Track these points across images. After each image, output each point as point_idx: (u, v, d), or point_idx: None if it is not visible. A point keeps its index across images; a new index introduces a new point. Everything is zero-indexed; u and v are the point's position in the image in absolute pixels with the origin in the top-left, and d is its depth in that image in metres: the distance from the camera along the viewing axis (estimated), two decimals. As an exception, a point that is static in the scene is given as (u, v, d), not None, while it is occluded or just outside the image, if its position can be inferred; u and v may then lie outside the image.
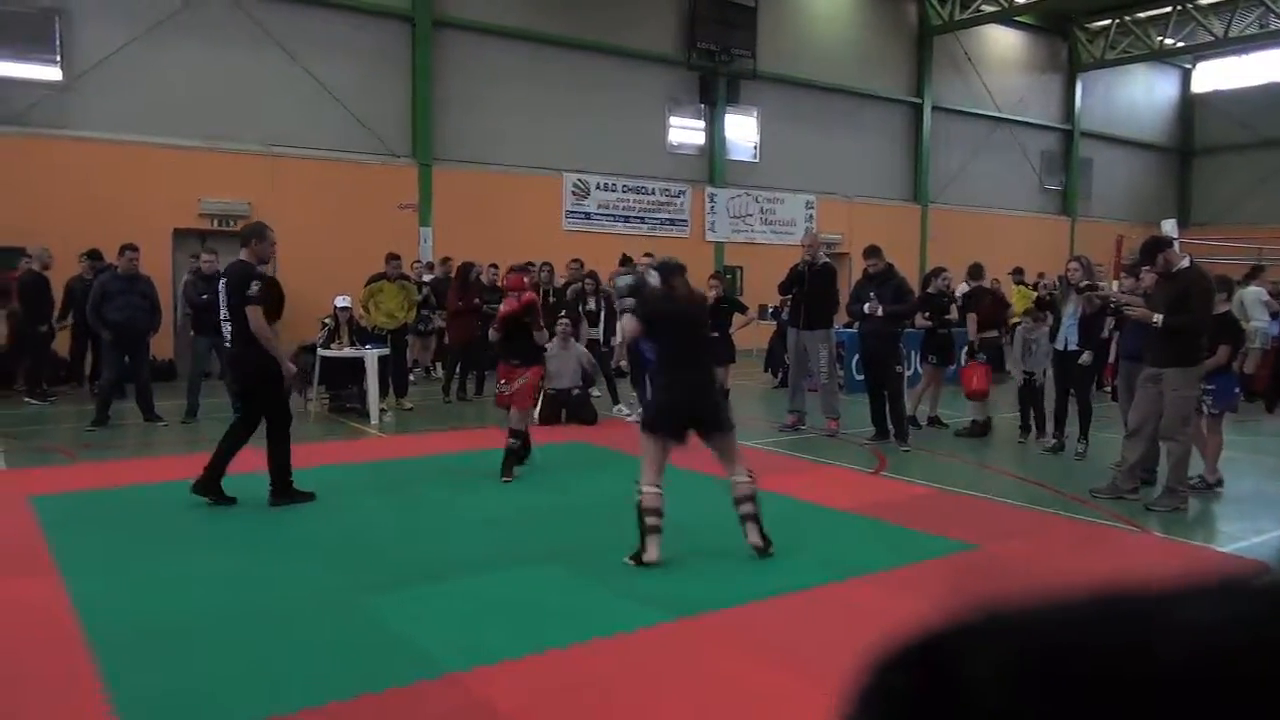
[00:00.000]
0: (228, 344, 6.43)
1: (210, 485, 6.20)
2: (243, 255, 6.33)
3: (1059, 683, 0.38)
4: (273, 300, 6.43)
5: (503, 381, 7.28)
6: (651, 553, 4.99)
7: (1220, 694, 0.37)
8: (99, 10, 13.27)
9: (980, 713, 0.39)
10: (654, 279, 5.42)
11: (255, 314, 6.11)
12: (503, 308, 7.32)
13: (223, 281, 6.38)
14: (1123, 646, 0.39)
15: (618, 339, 11.80)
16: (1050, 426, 8.92)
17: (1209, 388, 7.11)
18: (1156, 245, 6.68)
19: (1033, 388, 9.15)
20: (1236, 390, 8.15)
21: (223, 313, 6.30)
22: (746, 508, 5.15)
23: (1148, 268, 6.93)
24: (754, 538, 5.14)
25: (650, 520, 4.99)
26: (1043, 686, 0.39)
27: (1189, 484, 6.84)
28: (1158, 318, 6.34)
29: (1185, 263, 6.55)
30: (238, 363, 6.44)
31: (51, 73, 13.13)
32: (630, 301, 5.53)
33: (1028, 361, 9.13)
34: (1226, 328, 7.28)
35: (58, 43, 13.10)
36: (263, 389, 6.28)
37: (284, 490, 6.31)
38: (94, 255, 11.14)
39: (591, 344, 10.88)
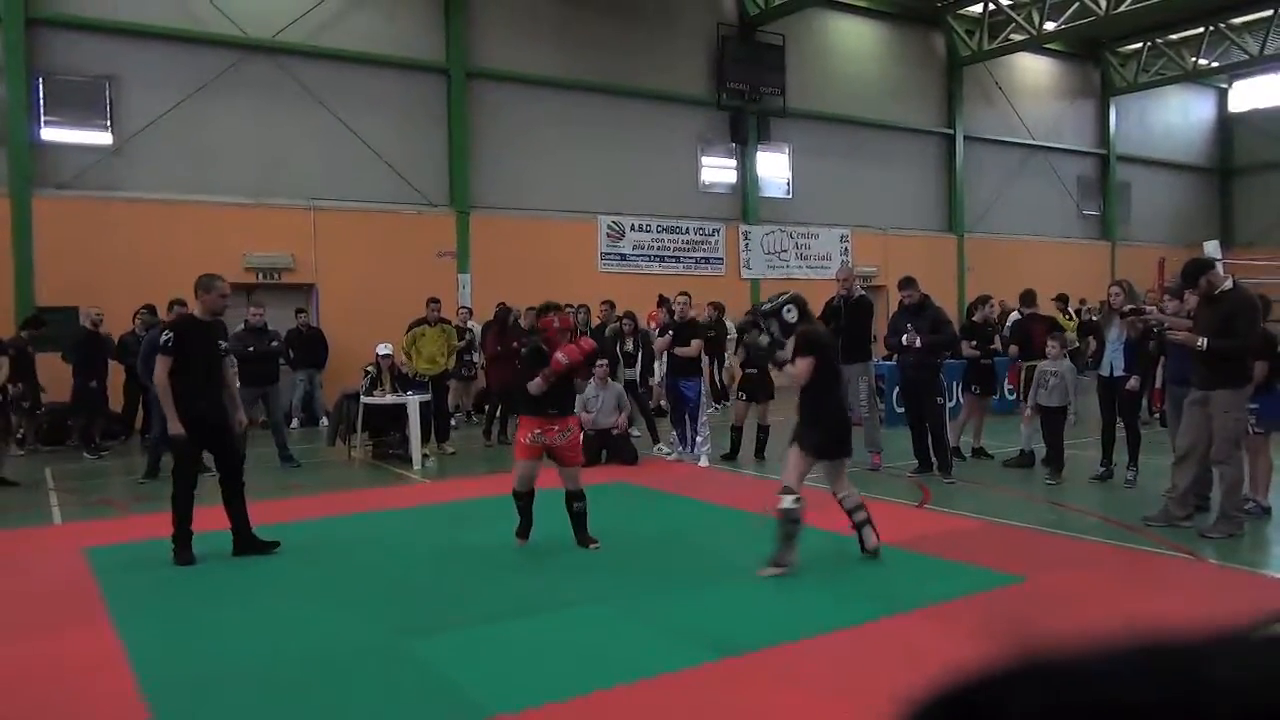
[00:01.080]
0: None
1: (245, 544, 6.26)
2: (196, 310, 6.34)
3: None
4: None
5: (537, 431, 6.26)
6: (793, 556, 5.53)
7: None
8: (148, 76, 13.76)
9: None
10: (792, 315, 5.82)
11: (161, 365, 6.01)
12: (563, 358, 6.19)
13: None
14: (1168, 704, 0.37)
15: (656, 379, 11.84)
16: (1096, 457, 8.74)
17: (1253, 407, 6.95)
18: (1198, 267, 6.58)
19: (1057, 418, 8.57)
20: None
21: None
22: (861, 515, 5.78)
23: (1190, 290, 6.83)
24: (871, 540, 5.75)
25: (795, 528, 5.53)
26: None
27: (1244, 509, 6.68)
28: (1201, 341, 6.24)
29: (1228, 284, 6.45)
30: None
31: (103, 138, 13.62)
32: (778, 352, 5.93)
33: (1041, 395, 8.60)
34: (1264, 344, 7.11)
35: (109, 108, 13.60)
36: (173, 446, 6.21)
37: (179, 542, 6.10)
38: (150, 310, 11.44)
39: (628, 384, 10.92)
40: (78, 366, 11.18)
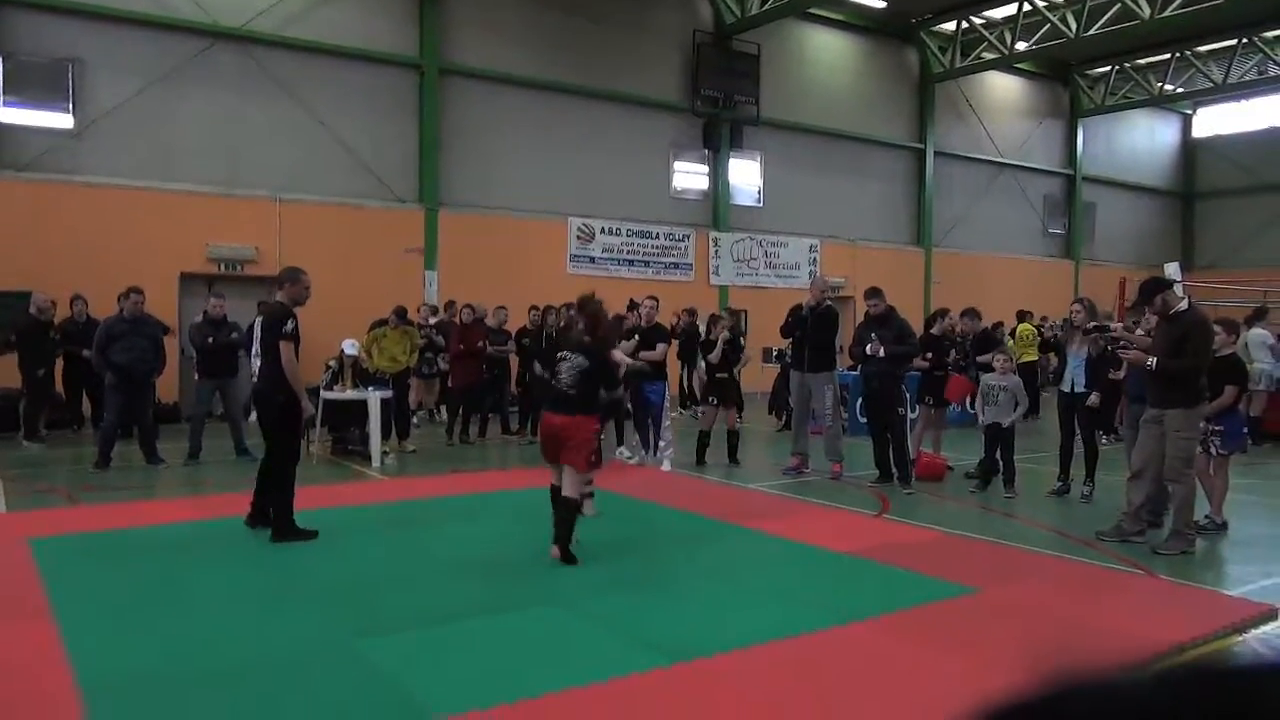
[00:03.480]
0: (254, 379, 6.82)
1: (279, 530, 6.43)
2: (279, 296, 6.64)
3: None
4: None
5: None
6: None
7: None
8: (113, 60, 13.51)
9: None
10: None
11: (287, 350, 6.36)
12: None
13: (259, 320, 6.72)
14: None
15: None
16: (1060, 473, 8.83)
17: (1217, 429, 7.07)
18: (1154, 286, 6.68)
19: (1001, 433, 8.61)
20: (1244, 431, 8.10)
21: (254, 348, 6.62)
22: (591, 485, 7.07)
23: (1147, 308, 6.93)
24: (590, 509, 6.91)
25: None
26: None
27: (1197, 526, 6.77)
28: (1151, 360, 6.33)
29: (1184, 305, 6.55)
30: (262, 399, 6.65)
31: (64, 120, 13.35)
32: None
33: (986, 412, 8.64)
34: (1233, 368, 7.25)
35: (70, 91, 13.33)
36: (279, 427, 6.51)
37: (285, 529, 6.39)
38: (121, 298, 11.06)
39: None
40: (26, 354, 10.90)
